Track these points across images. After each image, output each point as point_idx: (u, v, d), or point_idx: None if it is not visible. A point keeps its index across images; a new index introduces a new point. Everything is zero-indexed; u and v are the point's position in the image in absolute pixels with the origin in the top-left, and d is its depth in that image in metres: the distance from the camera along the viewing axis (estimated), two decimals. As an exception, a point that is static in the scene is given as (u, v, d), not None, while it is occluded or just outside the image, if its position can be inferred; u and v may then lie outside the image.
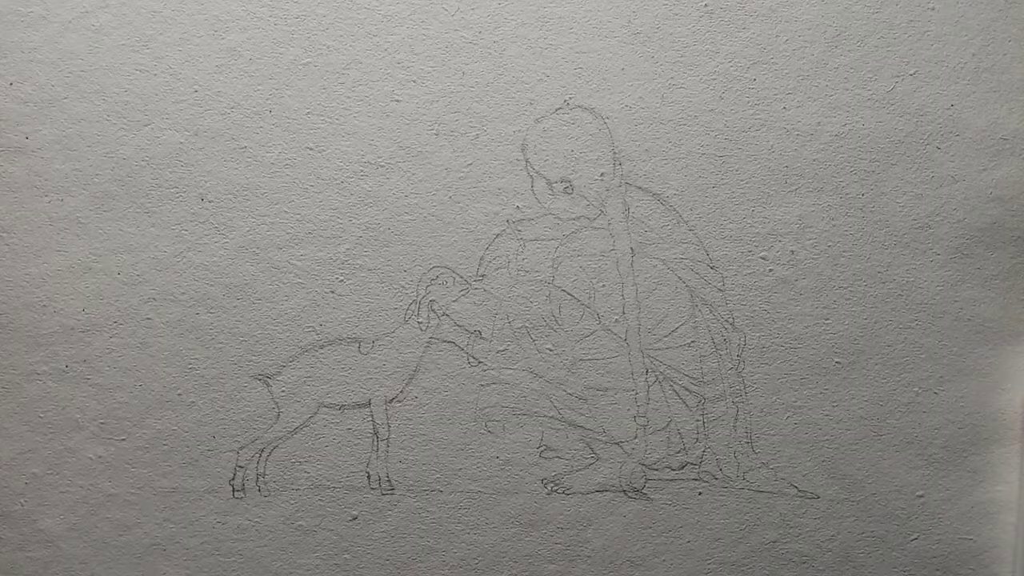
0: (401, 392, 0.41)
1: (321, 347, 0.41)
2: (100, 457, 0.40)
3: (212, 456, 0.40)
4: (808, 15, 0.41)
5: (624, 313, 0.41)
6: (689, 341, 0.41)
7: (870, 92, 0.40)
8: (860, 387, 0.41)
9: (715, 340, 0.41)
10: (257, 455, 0.41)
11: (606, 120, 0.40)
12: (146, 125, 0.40)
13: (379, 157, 0.40)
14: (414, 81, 0.40)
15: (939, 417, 0.41)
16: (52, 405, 0.40)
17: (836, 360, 0.41)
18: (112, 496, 0.40)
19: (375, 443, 0.41)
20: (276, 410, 0.41)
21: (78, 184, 0.40)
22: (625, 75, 0.40)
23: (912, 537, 0.41)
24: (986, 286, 0.41)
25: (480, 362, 0.43)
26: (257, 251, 0.40)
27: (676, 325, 0.41)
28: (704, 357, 0.41)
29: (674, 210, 0.40)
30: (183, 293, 0.40)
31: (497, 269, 0.41)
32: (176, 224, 0.40)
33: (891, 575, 0.41)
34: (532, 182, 0.40)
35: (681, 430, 0.41)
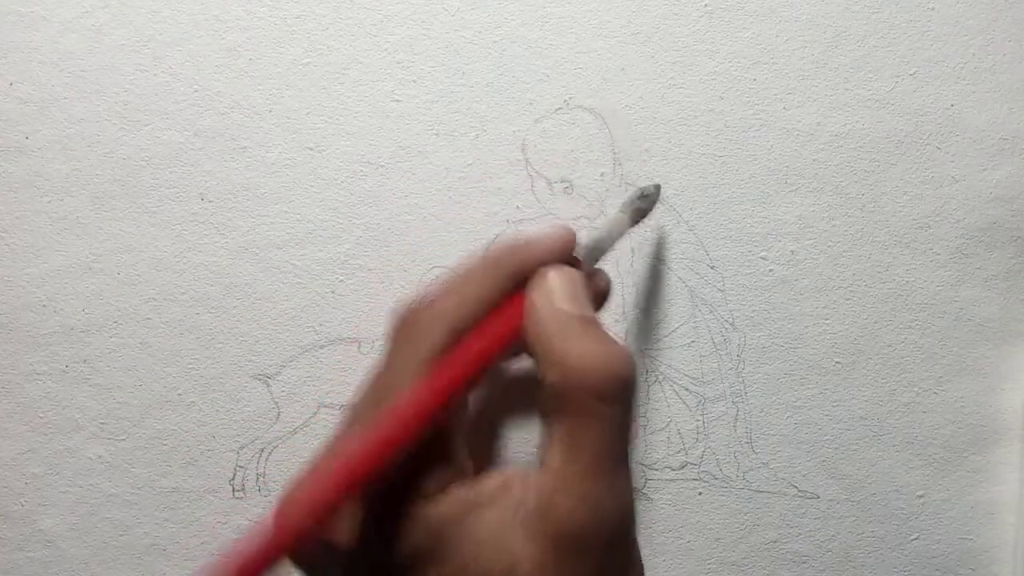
0: (401, 392, 0.41)
1: (321, 347, 0.41)
2: (100, 457, 0.40)
3: (212, 456, 0.40)
4: (808, 15, 0.41)
5: (624, 313, 0.41)
6: (689, 341, 0.41)
7: (870, 92, 0.40)
8: (860, 387, 0.41)
9: (715, 340, 0.41)
10: (257, 455, 0.41)
11: (606, 120, 0.40)
12: (146, 125, 0.40)
13: (379, 157, 0.40)
14: (414, 81, 0.40)
15: (939, 417, 0.41)
16: (52, 405, 0.40)
17: (836, 360, 0.41)
18: (112, 496, 0.40)
19: (375, 443, 0.41)
20: (276, 410, 0.41)
21: (78, 184, 0.40)
22: (625, 75, 0.40)
23: (912, 537, 0.41)
24: (986, 286, 0.41)
25: (480, 362, 0.43)
26: (257, 251, 0.40)
27: (676, 325, 0.41)
28: (704, 357, 0.41)
29: (674, 210, 0.40)
30: (183, 293, 0.40)
31: (497, 269, 0.41)
32: (176, 224, 0.40)
33: (891, 575, 0.41)
34: (532, 182, 0.40)
35: (681, 430, 0.41)
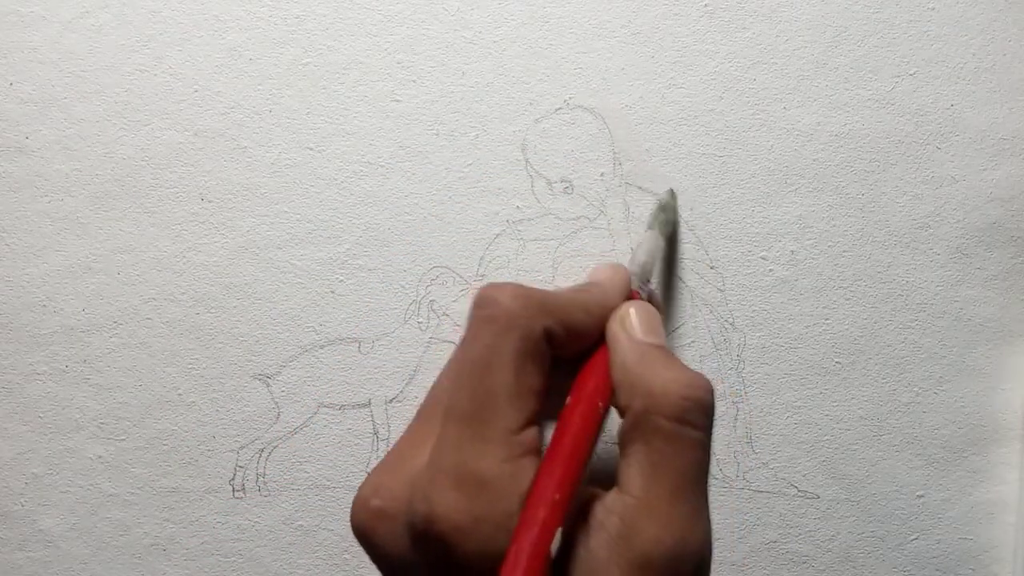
0: (401, 392, 0.41)
1: (321, 347, 0.41)
2: (100, 457, 0.40)
3: (212, 456, 0.40)
4: (808, 15, 0.41)
5: (624, 313, 0.41)
6: (689, 341, 0.41)
7: (870, 92, 0.40)
8: (860, 387, 0.41)
9: (715, 340, 0.41)
10: (257, 455, 0.41)
11: (606, 120, 0.40)
12: (146, 125, 0.40)
13: (379, 157, 0.40)
14: (414, 81, 0.40)
15: (939, 417, 0.41)
16: (52, 405, 0.40)
17: (836, 360, 0.41)
18: (112, 496, 0.40)
19: (375, 443, 0.41)
20: (276, 410, 0.41)
21: (78, 184, 0.40)
22: (625, 75, 0.40)
23: (912, 537, 0.41)
24: (986, 286, 0.41)
25: (480, 362, 0.43)
26: (257, 251, 0.40)
27: (676, 325, 0.41)
28: (704, 357, 0.41)
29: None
30: (183, 293, 0.40)
31: (497, 269, 0.41)
32: (176, 224, 0.40)
33: (891, 575, 0.41)
34: (532, 182, 0.40)
35: (681, 430, 0.41)
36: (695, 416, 0.24)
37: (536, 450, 0.25)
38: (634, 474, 0.24)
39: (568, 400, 0.26)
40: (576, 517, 0.24)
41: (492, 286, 0.26)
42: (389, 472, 0.25)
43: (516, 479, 0.23)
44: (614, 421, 0.27)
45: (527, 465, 0.24)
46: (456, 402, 0.25)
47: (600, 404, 0.26)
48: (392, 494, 0.25)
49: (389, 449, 0.26)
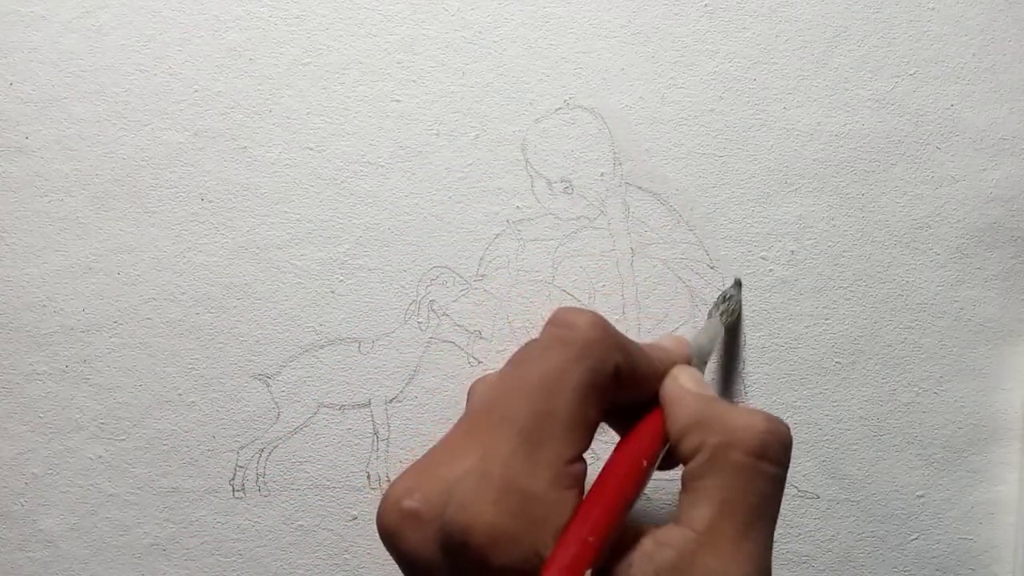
0: (401, 392, 0.41)
1: (321, 347, 0.41)
2: (100, 457, 0.40)
3: (212, 456, 0.40)
4: (808, 15, 0.41)
5: (624, 313, 0.41)
6: (689, 341, 0.41)
7: (870, 92, 0.40)
8: (860, 387, 0.41)
9: (715, 340, 0.41)
10: (257, 455, 0.41)
11: (606, 120, 0.40)
12: (146, 125, 0.40)
13: (379, 157, 0.40)
14: (414, 81, 0.40)
15: (939, 417, 0.41)
16: (52, 405, 0.40)
17: (836, 360, 0.41)
18: (112, 496, 0.40)
19: (375, 443, 0.41)
20: (276, 410, 0.41)
21: (78, 184, 0.40)
22: (625, 75, 0.40)
23: (912, 537, 0.41)
24: (986, 286, 0.41)
25: (480, 362, 0.43)
26: (257, 251, 0.40)
27: (676, 325, 0.41)
28: (704, 357, 0.41)
29: (674, 210, 0.40)
30: (183, 293, 0.40)
31: (497, 269, 0.41)
32: (176, 224, 0.40)
33: (891, 575, 0.41)
34: (532, 182, 0.40)
35: (681, 430, 0.41)
36: (776, 451, 0.24)
37: (580, 486, 0.24)
38: (700, 509, 0.24)
39: (613, 453, 0.26)
40: (614, 551, 0.24)
41: (573, 310, 0.26)
42: (425, 475, 0.25)
43: (558, 509, 0.23)
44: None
45: (570, 498, 0.23)
46: (515, 416, 0.24)
47: (645, 463, 0.26)
48: (427, 497, 0.24)
49: (427, 451, 0.26)
